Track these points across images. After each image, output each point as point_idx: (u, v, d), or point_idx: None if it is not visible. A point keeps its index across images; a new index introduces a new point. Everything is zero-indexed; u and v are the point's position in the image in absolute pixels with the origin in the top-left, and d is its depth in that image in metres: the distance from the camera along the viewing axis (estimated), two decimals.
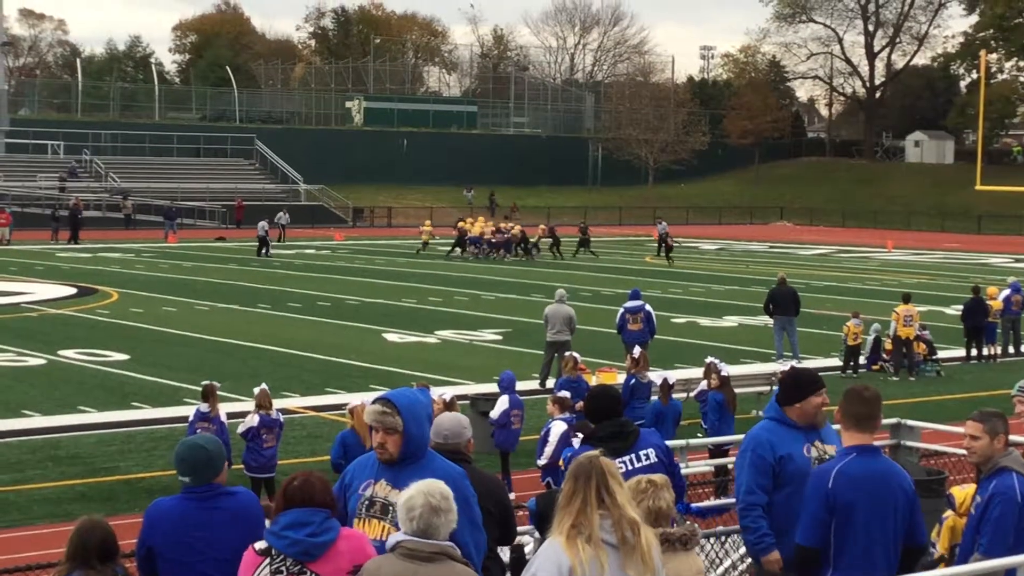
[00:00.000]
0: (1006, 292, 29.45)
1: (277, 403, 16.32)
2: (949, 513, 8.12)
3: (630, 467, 7.64)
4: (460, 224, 57.80)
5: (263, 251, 53.32)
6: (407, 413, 6.24)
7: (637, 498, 5.91)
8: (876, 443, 7.17)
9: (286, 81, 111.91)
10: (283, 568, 5.72)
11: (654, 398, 17.55)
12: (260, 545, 5.81)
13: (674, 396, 17.23)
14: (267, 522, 6.04)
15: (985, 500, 7.06)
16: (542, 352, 24.26)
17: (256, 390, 15.54)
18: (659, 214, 69.35)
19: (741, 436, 8.21)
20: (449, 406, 13.54)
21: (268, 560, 5.74)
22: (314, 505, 5.81)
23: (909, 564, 7.02)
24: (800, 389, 7.61)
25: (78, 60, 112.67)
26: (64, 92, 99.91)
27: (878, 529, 6.80)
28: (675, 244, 54.71)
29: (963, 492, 8.02)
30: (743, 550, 9.22)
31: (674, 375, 18.31)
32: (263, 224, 55.02)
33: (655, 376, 17.65)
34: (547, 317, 24.04)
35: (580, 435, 10.66)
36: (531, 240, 55.62)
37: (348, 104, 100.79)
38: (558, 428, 14.74)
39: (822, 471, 6.94)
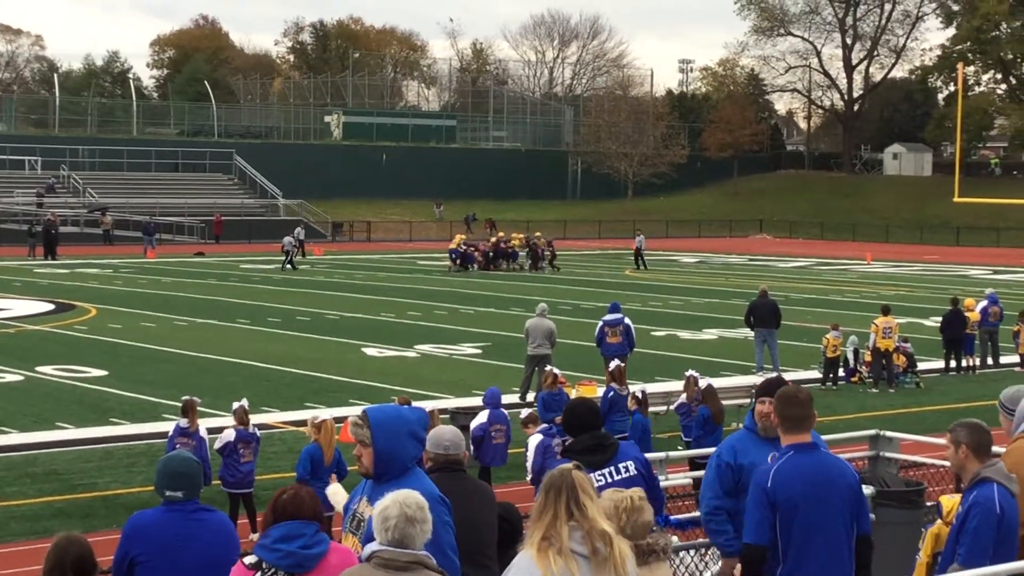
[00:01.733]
0: (984, 304, 29.55)
1: (256, 418, 16.25)
2: (938, 521, 8.13)
3: (609, 480, 7.63)
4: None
5: (287, 264, 54.48)
6: (377, 429, 6.29)
7: (632, 516, 5.91)
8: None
9: (265, 96, 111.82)
10: None
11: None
12: (250, 559, 5.82)
13: (651, 408, 17.25)
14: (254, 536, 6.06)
15: (965, 510, 7.08)
16: (522, 366, 24.25)
17: (235, 405, 15.46)
18: (638, 227, 69.46)
19: None
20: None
21: (259, 573, 5.73)
22: (303, 518, 5.84)
23: (857, 553, 7.15)
24: (754, 396, 7.97)
25: (55, 75, 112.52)
26: (41, 107, 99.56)
27: (824, 522, 6.92)
28: (552, 252, 57.23)
29: (951, 501, 8.02)
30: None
31: (652, 388, 18.33)
32: (288, 239, 56.48)
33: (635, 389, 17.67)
34: (528, 331, 24.00)
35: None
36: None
37: (327, 119, 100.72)
38: (534, 441, 14.79)
39: (762, 472, 7.10)
